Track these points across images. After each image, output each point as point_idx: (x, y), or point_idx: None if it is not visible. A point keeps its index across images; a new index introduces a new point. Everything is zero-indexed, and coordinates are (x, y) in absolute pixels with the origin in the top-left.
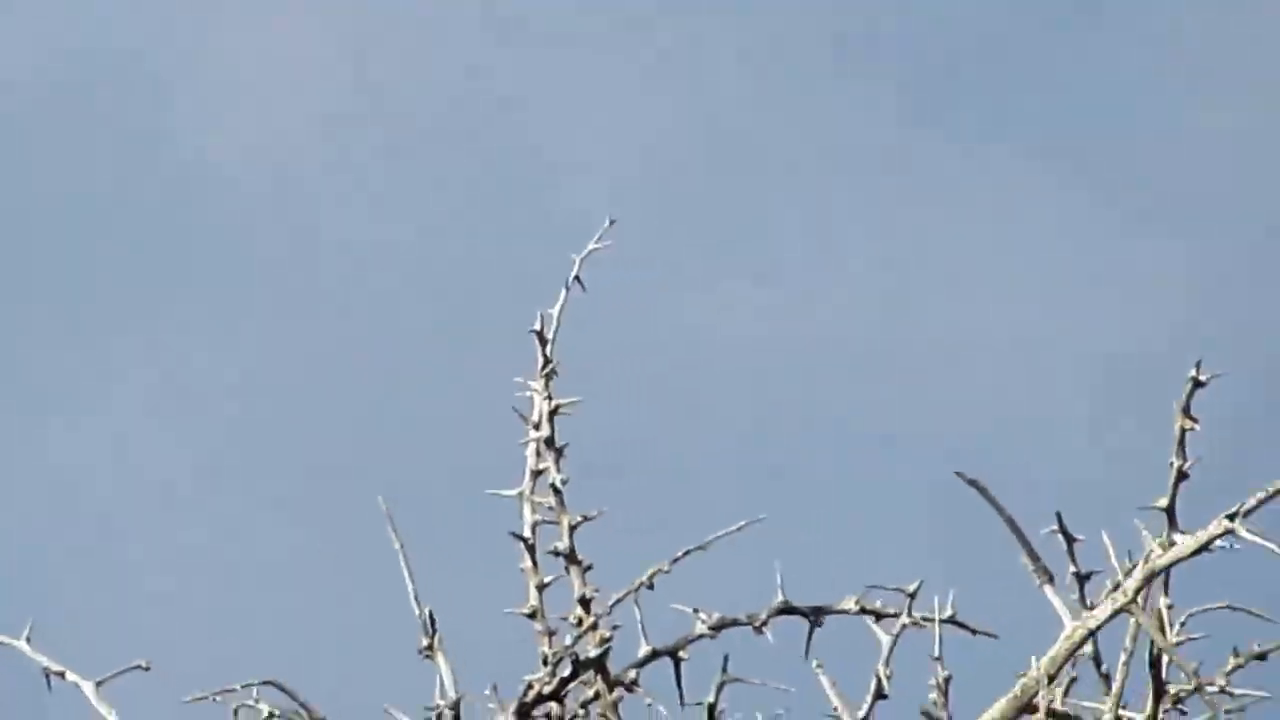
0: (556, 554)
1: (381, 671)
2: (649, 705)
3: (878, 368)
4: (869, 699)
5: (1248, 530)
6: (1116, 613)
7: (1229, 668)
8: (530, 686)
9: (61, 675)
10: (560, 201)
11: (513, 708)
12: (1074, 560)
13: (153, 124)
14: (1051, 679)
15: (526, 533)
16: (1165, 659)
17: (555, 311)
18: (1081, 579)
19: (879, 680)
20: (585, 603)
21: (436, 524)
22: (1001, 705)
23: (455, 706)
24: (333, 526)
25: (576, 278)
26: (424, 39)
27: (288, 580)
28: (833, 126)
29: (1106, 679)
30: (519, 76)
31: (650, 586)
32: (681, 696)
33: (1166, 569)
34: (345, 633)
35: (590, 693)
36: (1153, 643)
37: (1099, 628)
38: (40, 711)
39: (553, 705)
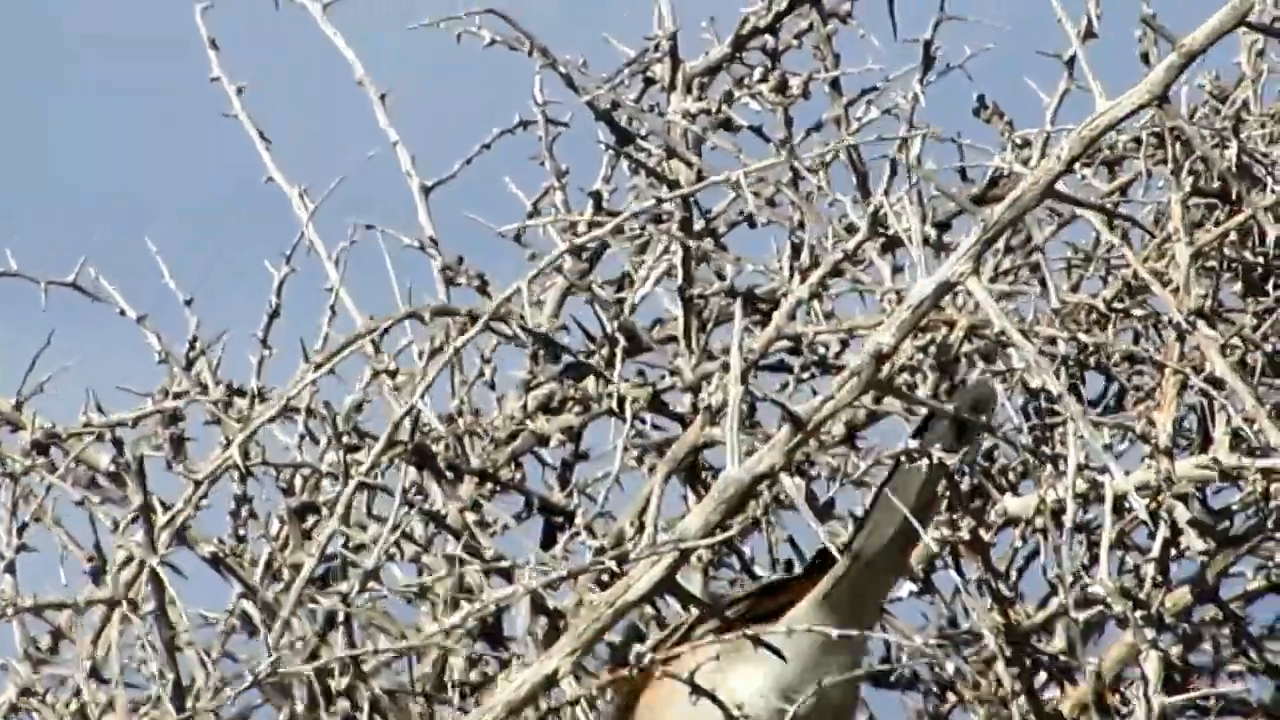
0: None
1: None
2: (862, 37)
3: None
4: None
5: None
6: None
7: None
8: (746, 20)
9: None
10: None
11: (729, 39)
12: None
13: None
14: None
15: None
16: None
17: None
18: None
19: None
20: None
21: None
22: None
23: (673, 38)
24: None
25: None
26: None
27: None
28: None
29: None
30: None
31: None
32: (895, 29)
33: None
34: None
35: (804, 24)
36: None
37: None
38: None
39: (768, 37)
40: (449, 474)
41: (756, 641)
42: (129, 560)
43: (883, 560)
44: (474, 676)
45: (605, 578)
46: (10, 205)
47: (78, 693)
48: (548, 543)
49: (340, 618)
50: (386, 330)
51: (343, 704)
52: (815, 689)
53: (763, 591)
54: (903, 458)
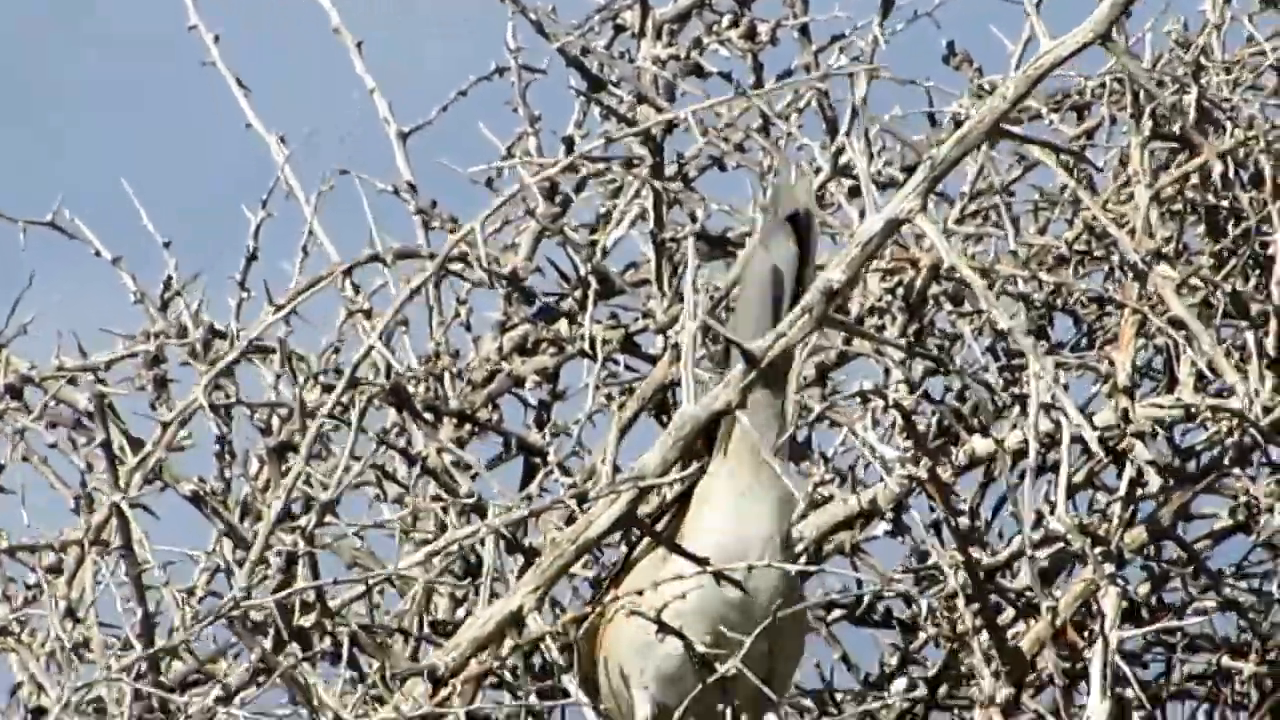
0: None
1: None
2: None
3: None
4: None
5: None
6: None
7: None
8: None
9: None
10: None
11: None
12: None
13: None
14: None
15: None
16: None
17: None
18: None
19: None
20: None
21: None
22: None
23: None
24: None
25: None
26: None
27: None
28: None
29: None
30: None
31: None
32: None
33: None
34: None
35: None
36: None
37: None
38: None
39: None
40: (428, 415)
41: (719, 576)
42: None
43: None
44: (459, 615)
45: (577, 514)
46: (9, 204)
47: (53, 633)
48: (527, 482)
49: (302, 551)
50: (349, 271)
51: (323, 644)
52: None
53: (681, 499)
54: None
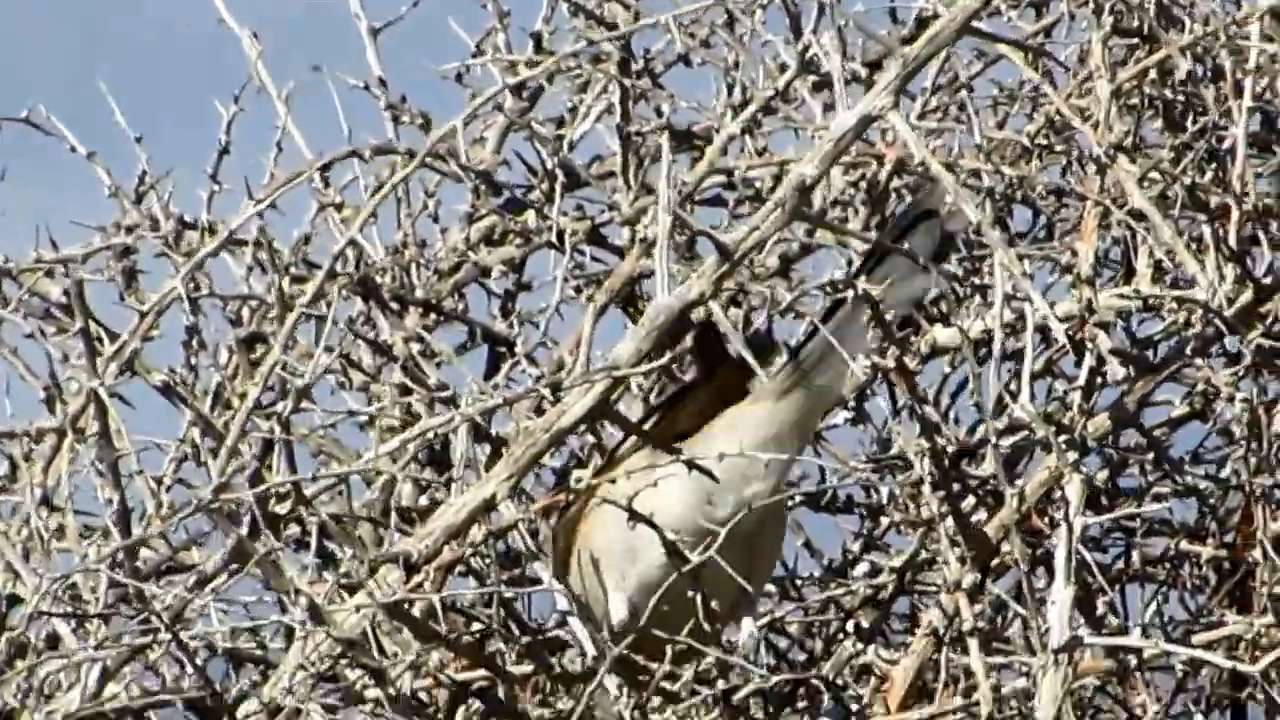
0: None
1: None
2: None
3: None
4: None
5: None
6: None
7: None
8: None
9: None
10: None
11: None
12: None
13: None
14: None
15: None
16: None
17: None
18: None
19: None
20: None
21: None
22: None
23: None
24: None
25: None
26: None
27: None
28: None
29: None
30: None
31: None
32: None
33: None
34: None
35: None
36: None
37: None
38: None
39: None
40: (394, 305)
41: (691, 465)
42: (79, 390)
43: (827, 388)
44: (422, 502)
45: (547, 405)
46: (11, 205)
47: (29, 520)
48: (492, 372)
49: (278, 439)
50: (327, 167)
51: (290, 530)
52: (738, 501)
53: (669, 403)
54: (828, 289)
